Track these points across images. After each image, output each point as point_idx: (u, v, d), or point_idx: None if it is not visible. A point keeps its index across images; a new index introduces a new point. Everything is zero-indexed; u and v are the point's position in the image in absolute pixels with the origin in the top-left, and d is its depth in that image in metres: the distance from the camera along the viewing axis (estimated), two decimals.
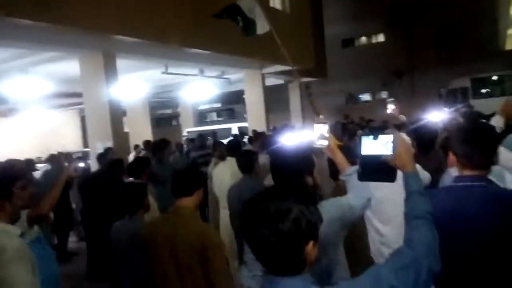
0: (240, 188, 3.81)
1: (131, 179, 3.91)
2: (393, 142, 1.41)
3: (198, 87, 14.36)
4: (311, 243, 1.16)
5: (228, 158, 4.88)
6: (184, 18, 8.28)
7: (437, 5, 24.23)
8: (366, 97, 29.50)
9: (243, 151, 4.60)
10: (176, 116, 24.51)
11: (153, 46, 8.01)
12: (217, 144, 5.52)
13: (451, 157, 1.79)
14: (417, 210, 1.31)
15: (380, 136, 1.45)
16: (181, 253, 2.28)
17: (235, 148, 5.13)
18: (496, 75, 20.76)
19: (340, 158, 2.09)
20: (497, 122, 3.25)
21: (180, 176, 2.48)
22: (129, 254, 2.77)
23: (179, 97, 16.73)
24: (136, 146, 10.20)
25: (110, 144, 7.74)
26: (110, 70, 8.00)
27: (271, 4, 12.26)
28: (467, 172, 1.75)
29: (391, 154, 1.41)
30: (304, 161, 1.99)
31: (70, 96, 12.90)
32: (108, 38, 7.20)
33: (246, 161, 3.91)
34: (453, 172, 2.63)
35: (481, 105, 12.31)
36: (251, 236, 1.17)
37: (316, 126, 2.10)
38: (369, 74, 26.07)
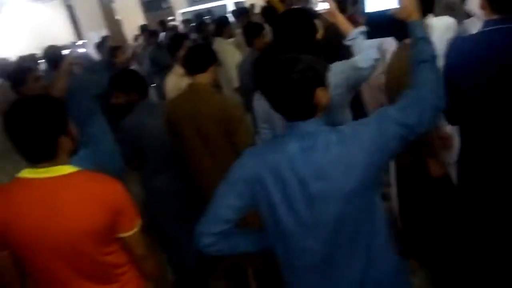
0: (249, 62, 3.80)
1: None
2: None
3: None
4: (319, 89, 1.26)
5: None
6: None
7: None
8: None
9: (248, 23, 4.32)
10: None
11: None
12: (223, 22, 5.15)
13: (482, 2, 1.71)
14: (422, 55, 1.34)
15: None
16: (207, 129, 2.33)
17: (224, 25, 4.90)
18: None
19: (342, 22, 2.04)
20: None
21: (193, 53, 2.46)
22: None
23: None
24: (137, 37, 9.74)
25: (104, 32, 7.54)
26: None
27: None
28: (496, 17, 1.69)
29: (398, 7, 1.39)
30: (309, 25, 1.95)
31: None
32: None
33: (251, 34, 3.84)
34: (476, 20, 2.54)
35: None
36: (265, 88, 1.30)
37: None
38: None
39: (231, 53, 4.41)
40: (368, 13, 1.46)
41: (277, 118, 1.88)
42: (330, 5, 2.04)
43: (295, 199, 1.27)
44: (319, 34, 2.01)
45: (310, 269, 1.33)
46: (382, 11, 1.43)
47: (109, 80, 2.63)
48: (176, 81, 3.40)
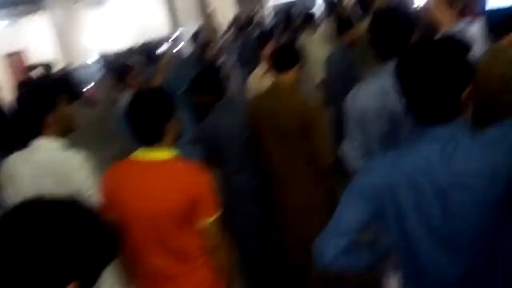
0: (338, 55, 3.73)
1: None
2: None
3: None
4: (468, 88, 1.14)
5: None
6: None
7: None
8: None
9: (339, 16, 4.22)
10: None
11: None
12: (309, 18, 5.09)
13: None
14: None
15: None
16: (285, 128, 2.37)
17: (309, 20, 4.86)
18: None
19: (441, 17, 1.88)
20: None
21: (280, 52, 2.50)
22: None
23: None
24: (227, 30, 9.90)
25: (198, 25, 7.78)
26: None
27: None
28: None
29: None
30: (407, 27, 1.82)
31: None
32: None
33: (342, 27, 3.75)
34: None
35: None
36: (409, 83, 1.17)
37: None
38: None
39: (316, 48, 4.41)
40: (490, 10, 1.42)
41: (374, 123, 1.77)
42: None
43: (430, 210, 1.16)
44: (415, 37, 1.88)
45: None
46: (506, 7, 1.37)
47: (191, 80, 2.74)
48: (259, 78, 3.45)
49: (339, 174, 2.32)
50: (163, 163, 1.67)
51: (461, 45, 1.22)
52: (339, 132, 2.27)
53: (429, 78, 1.12)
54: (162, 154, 1.68)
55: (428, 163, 1.15)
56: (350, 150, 1.91)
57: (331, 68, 3.74)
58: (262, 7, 13.28)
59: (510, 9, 1.35)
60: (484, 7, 1.47)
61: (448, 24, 1.87)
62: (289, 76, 2.44)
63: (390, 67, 1.41)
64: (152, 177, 1.65)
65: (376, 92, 1.75)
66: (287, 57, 2.46)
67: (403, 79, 1.18)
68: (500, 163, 1.10)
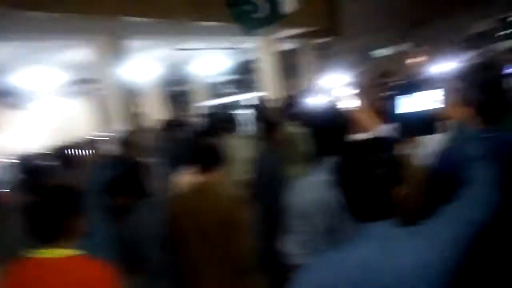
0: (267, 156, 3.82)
1: None
2: (440, 95, 1.50)
3: (209, 60, 14.10)
4: (400, 187, 1.24)
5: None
6: None
7: None
8: (384, 51, 28.58)
9: (265, 119, 4.42)
10: (188, 91, 24.40)
11: (162, 24, 7.83)
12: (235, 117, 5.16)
13: None
14: (476, 152, 1.40)
15: (417, 93, 1.51)
16: (205, 228, 2.33)
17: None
18: None
19: (366, 120, 2.05)
20: None
21: (204, 151, 2.54)
22: None
23: (190, 72, 16.54)
24: (153, 130, 9.91)
25: (128, 127, 7.76)
26: (121, 52, 7.99)
27: None
28: None
29: (439, 108, 1.51)
30: (346, 122, 1.93)
31: (83, 83, 12.91)
32: (116, 21, 7.06)
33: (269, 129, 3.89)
34: None
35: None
36: (349, 187, 1.24)
37: (340, 88, 2.09)
38: (387, 27, 25.00)
39: (241, 148, 4.45)
40: (401, 114, 1.55)
41: (319, 217, 1.78)
42: (358, 103, 2.09)
43: None
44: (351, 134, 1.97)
45: None
46: (418, 111, 1.50)
47: (109, 182, 2.66)
48: (185, 177, 3.31)
49: (264, 272, 2.38)
50: (62, 260, 1.65)
51: (391, 146, 1.28)
52: (266, 230, 2.37)
53: (366, 179, 1.20)
54: (60, 251, 1.66)
55: (368, 261, 1.18)
56: (292, 245, 1.88)
57: (259, 167, 3.72)
58: (195, 108, 13.70)
59: (416, 115, 1.52)
60: (395, 112, 1.63)
61: (373, 127, 2.01)
62: (214, 175, 2.47)
63: (329, 162, 1.50)
64: (50, 275, 1.62)
65: (317, 186, 1.76)
66: (212, 157, 2.51)
67: (341, 178, 1.26)
68: (437, 262, 1.17)
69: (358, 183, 1.21)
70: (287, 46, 14.86)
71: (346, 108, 2.10)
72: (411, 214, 1.38)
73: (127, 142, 5.43)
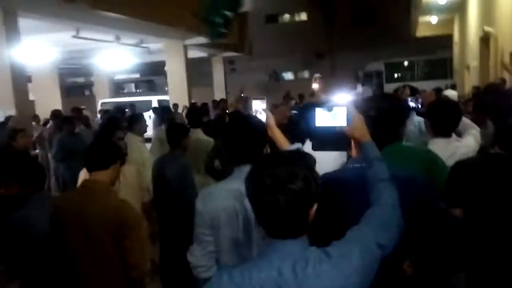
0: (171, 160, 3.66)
1: None
2: (347, 114, 1.51)
3: (114, 55, 13.43)
4: (315, 206, 1.19)
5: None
6: None
7: None
8: (289, 75, 30.03)
9: (174, 123, 4.29)
10: (89, 85, 22.93)
11: (61, 5, 7.16)
12: (136, 118, 4.97)
13: None
14: (381, 174, 1.40)
15: (334, 108, 1.53)
16: (93, 230, 2.14)
17: (136, 121, 4.76)
18: (407, 60, 22.35)
19: (279, 137, 2.03)
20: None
21: (96, 149, 2.36)
22: None
23: (93, 64, 15.57)
24: (46, 122, 9.04)
25: (12, 112, 7.01)
26: (11, 29, 7.14)
27: None
28: None
29: (347, 126, 1.50)
30: (263, 132, 1.89)
31: None
32: None
33: (178, 134, 3.73)
34: None
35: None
36: (260, 200, 1.17)
37: (254, 102, 2.08)
38: (292, 53, 26.47)
39: (139, 150, 4.31)
40: (317, 127, 1.55)
41: (227, 228, 1.69)
42: (268, 119, 2.02)
43: None
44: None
45: None
46: (331, 127, 1.53)
47: None
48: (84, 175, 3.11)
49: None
50: None
51: (310, 162, 1.23)
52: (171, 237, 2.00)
53: (278, 193, 1.14)
54: None
55: (280, 278, 1.15)
56: (199, 257, 1.76)
57: (161, 171, 3.59)
58: (92, 103, 12.87)
59: (329, 130, 1.54)
60: (308, 127, 1.65)
61: (285, 144, 2.02)
62: (104, 175, 2.27)
63: (243, 172, 1.43)
64: None
65: (230, 194, 1.68)
66: (102, 156, 2.31)
67: (251, 190, 1.19)
68: (346, 280, 1.16)
69: (268, 197, 1.14)
70: (197, 54, 14.83)
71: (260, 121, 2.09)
72: (322, 234, 1.40)
73: (11, 130, 4.89)
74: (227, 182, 1.79)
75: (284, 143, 2.01)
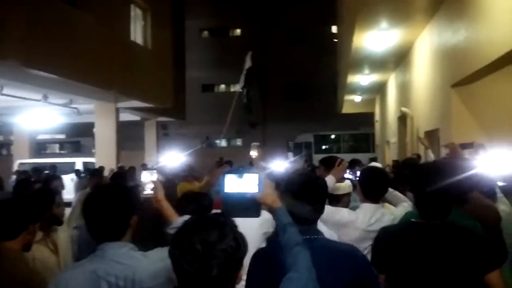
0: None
1: None
2: (259, 181, 1.53)
3: (39, 114, 12.76)
4: (241, 269, 1.21)
5: None
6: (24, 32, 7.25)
7: (286, 66, 26.97)
8: (222, 143, 30.32)
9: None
10: (7, 144, 21.44)
11: None
12: (51, 178, 4.65)
13: None
14: (294, 239, 1.43)
15: (245, 175, 1.55)
16: None
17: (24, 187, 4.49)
18: (334, 134, 23.82)
19: (167, 209, 2.04)
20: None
21: (3, 216, 2.12)
22: None
23: (13, 123, 14.65)
24: None
25: None
26: None
27: (132, 38, 11.84)
28: None
29: (258, 192, 1.52)
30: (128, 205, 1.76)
31: None
32: None
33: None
34: None
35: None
36: (191, 268, 1.13)
37: (144, 173, 2.07)
38: (226, 122, 26.94)
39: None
40: (227, 193, 1.54)
41: None
42: (156, 192, 2.02)
43: None
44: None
45: None
46: (241, 193, 1.53)
47: None
48: None
49: None
50: None
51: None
52: None
53: (211, 261, 1.12)
54: None
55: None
56: None
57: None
58: (8, 163, 11.92)
59: (241, 196, 1.54)
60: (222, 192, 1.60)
61: (173, 216, 2.01)
62: (15, 243, 2.09)
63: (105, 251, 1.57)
64: None
65: (86, 277, 1.60)
66: (8, 225, 2.10)
67: (181, 259, 1.15)
68: None
69: (198, 265, 1.12)
70: (129, 117, 14.57)
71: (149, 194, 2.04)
72: None
73: None
74: (87, 261, 1.67)
75: (172, 215, 2.01)
